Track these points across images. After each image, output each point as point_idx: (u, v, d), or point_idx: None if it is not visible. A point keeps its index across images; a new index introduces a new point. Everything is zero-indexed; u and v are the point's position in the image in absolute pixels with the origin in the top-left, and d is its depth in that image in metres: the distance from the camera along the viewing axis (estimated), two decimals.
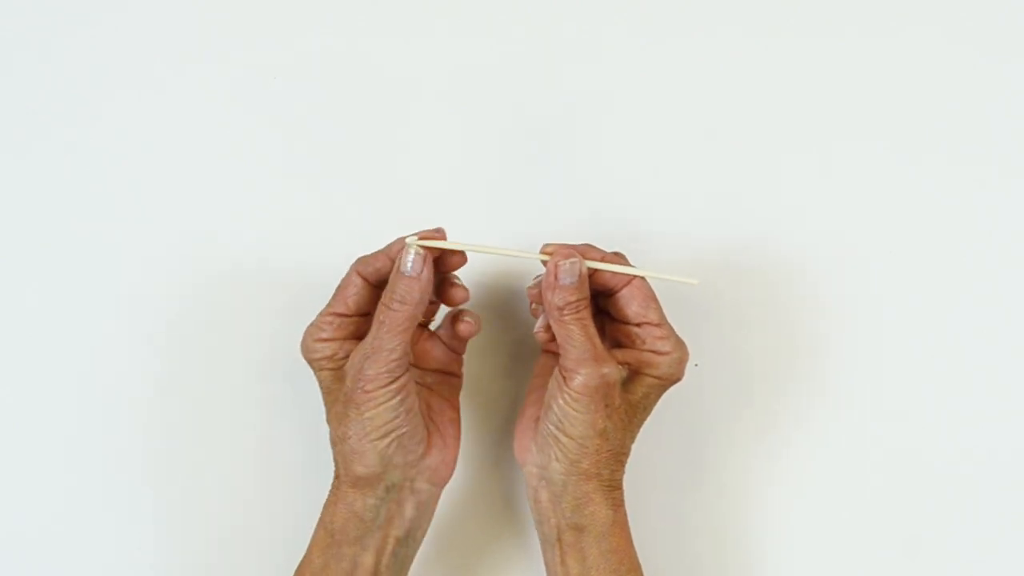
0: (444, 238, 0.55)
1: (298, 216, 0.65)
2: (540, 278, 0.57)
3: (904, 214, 0.66)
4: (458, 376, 0.61)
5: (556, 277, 0.54)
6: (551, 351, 0.59)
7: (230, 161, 0.66)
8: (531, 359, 0.63)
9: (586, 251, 0.56)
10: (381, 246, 0.57)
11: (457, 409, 0.60)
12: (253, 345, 0.64)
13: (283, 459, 0.63)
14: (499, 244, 0.58)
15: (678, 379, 0.57)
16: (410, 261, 0.54)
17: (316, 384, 0.58)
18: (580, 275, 0.54)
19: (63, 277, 0.64)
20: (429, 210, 0.65)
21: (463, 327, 0.58)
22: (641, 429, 0.57)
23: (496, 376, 0.64)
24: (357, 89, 0.66)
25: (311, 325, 0.57)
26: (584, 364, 0.54)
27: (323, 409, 0.57)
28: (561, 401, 0.54)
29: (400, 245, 0.55)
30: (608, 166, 0.66)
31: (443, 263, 0.56)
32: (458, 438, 0.58)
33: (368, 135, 0.66)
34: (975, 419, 0.64)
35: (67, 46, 0.66)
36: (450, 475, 0.58)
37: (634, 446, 0.57)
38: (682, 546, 0.63)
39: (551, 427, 0.55)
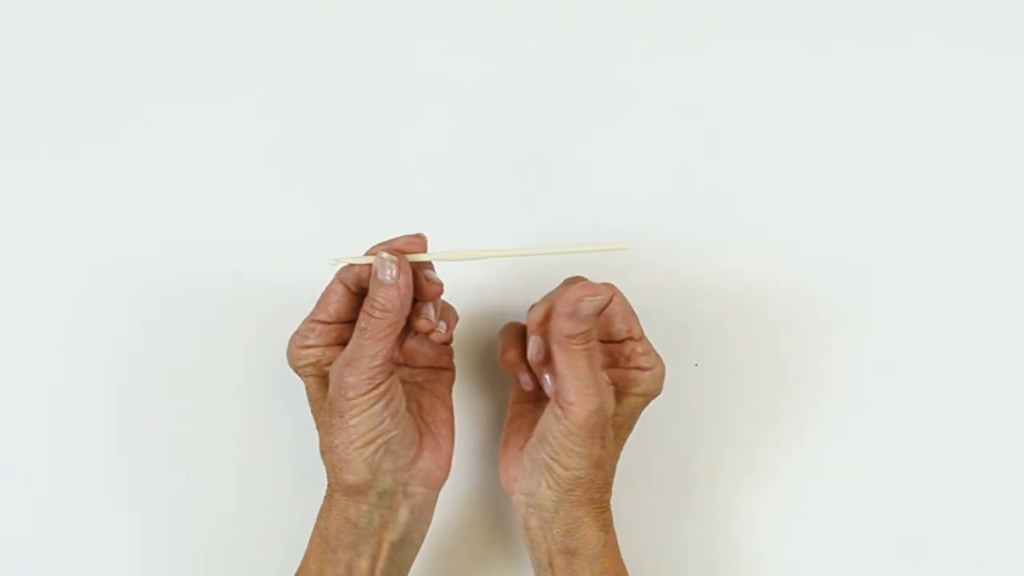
0: (423, 246, 0.55)
1: (293, 221, 0.65)
2: (547, 298, 0.56)
3: (902, 216, 0.65)
4: (449, 369, 0.60)
5: (576, 308, 0.53)
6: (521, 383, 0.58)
7: (224, 165, 0.65)
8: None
9: (579, 286, 0.54)
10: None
11: (450, 407, 0.59)
12: (245, 350, 0.64)
13: (276, 466, 0.63)
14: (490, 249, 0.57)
15: (658, 394, 0.57)
16: (387, 269, 0.54)
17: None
18: (596, 309, 0.53)
19: (55, 280, 0.64)
20: (422, 216, 0.65)
21: (435, 336, 0.57)
22: (638, 434, 0.57)
23: (480, 393, 0.64)
24: (351, 99, 0.66)
25: (295, 333, 0.57)
26: (589, 398, 0.53)
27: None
28: (559, 434, 0.54)
29: (377, 252, 0.54)
30: (604, 168, 0.66)
31: (419, 292, 0.55)
32: (452, 438, 0.58)
33: (362, 142, 0.66)
34: (975, 423, 0.64)
35: (63, 47, 0.66)
36: (445, 476, 0.57)
37: (628, 451, 0.57)
38: (674, 561, 0.63)
39: (546, 457, 0.54)
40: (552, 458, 0.54)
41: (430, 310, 0.56)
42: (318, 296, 0.56)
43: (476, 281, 0.63)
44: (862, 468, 0.63)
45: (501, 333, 0.60)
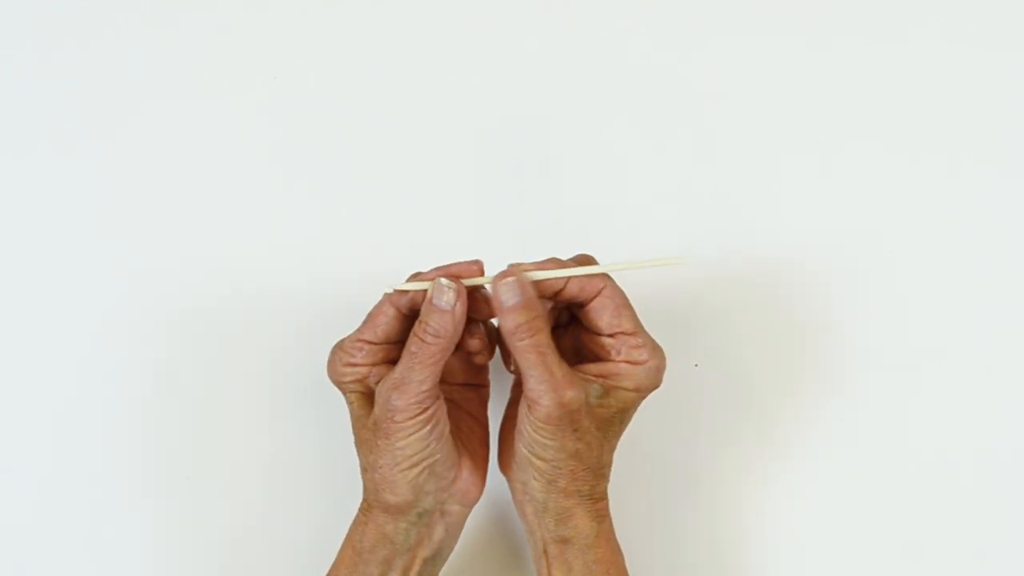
0: (480, 271, 0.54)
1: (293, 221, 0.65)
2: None
3: (904, 216, 0.65)
4: (485, 386, 0.59)
5: (500, 301, 0.53)
6: None
7: (225, 165, 0.65)
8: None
9: (544, 266, 0.54)
10: (398, 264, 0.56)
11: (485, 426, 0.59)
12: (243, 350, 0.64)
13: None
14: (499, 258, 0.56)
15: (656, 388, 0.55)
16: (444, 295, 0.53)
17: (329, 404, 0.57)
18: (524, 292, 0.52)
19: (53, 280, 0.64)
20: (422, 216, 0.65)
21: (479, 359, 0.57)
22: (639, 434, 0.57)
23: (493, 394, 0.63)
24: (351, 99, 0.66)
25: (339, 348, 0.56)
26: (544, 394, 0.52)
27: (340, 429, 0.57)
28: (530, 428, 0.53)
29: (434, 277, 0.54)
30: (604, 168, 0.66)
31: (474, 311, 0.54)
32: (487, 457, 0.58)
33: (362, 142, 0.66)
34: (975, 423, 0.64)
35: (63, 47, 0.66)
36: (480, 495, 0.57)
37: (629, 451, 0.57)
38: (676, 554, 0.63)
39: (524, 450, 0.54)
40: (529, 450, 0.54)
41: (482, 329, 0.56)
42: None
43: None
44: (862, 468, 0.63)
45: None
